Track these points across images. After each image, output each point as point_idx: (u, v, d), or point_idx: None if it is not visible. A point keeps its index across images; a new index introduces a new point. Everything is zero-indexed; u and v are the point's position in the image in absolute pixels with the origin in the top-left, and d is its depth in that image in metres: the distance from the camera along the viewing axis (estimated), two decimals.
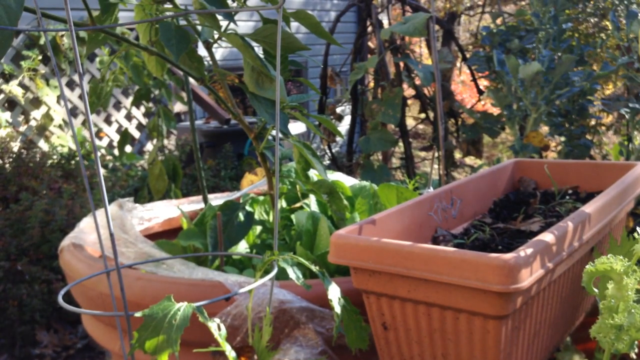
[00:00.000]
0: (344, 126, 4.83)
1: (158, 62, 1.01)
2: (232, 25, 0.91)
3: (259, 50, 0.96)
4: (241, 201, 1.19)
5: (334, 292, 0.72)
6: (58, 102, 3.70)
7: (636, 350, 0.64)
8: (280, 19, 0.67)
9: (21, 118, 3.62)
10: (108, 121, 4.06)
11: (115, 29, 0.93)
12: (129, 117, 4.14)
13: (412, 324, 0.77)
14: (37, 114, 3.65)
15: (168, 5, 0.93)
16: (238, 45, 0.91)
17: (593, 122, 2.03)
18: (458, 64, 4.27)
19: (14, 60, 3.55)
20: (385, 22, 3.21)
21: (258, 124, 1.06)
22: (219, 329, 0.63)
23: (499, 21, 2.62)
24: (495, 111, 3.01)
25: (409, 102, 4.16)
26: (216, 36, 0.97)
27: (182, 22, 0.95)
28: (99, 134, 4.01)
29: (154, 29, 0.94)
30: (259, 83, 0.94)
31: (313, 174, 1.27)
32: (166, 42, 0.82)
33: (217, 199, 1.45)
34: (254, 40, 0.93)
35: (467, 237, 0.92)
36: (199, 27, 1.00)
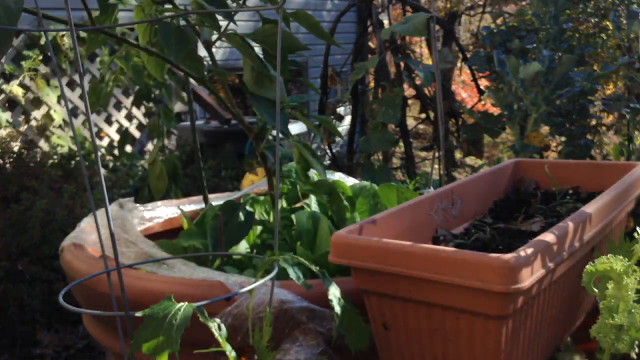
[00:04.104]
0: (344, 126, 4.83)
1: (157, 62, 1.01)
2: (232, 26, 0.91)
3: (259, 50, 0.96)
4: (242, 201, 1.19)
5: (334, 293, 0.73)
6: (58, 102, 3.70)
7: (636, 350, 0.64)
8: (281, 19, 0.67)
9: (22, 118, 3.63)
10: (109, 121, 4.06)
11: (115, 29, 0.93)
12: (129, 117, 4.14)
13: (412, 324, 0.77)
14: (37, 114, 3.65)
15: (168, 6, 0.93)
16: (238, 45, 0.91)
17: (594, 122, 2.03)
18: (458, 64, 4.27)
19: (14, 60, 3.55)
20: (386, 22, 3.21)
21: (258, 124, 1.06)
22: (220, 329, 0.63)
23: (499, 21, 2.62)
24: (496, 111, 3.01)
25: (410, 102, 4.16)
26: (216, 36, 0.97)
27: (182, 23, 0.95)
28: (99, 134, 4.01)
29: (153, 30, 0.94)
30: (259, 83, 0.94)
31: (313, 173, 1.27)
32: (165, 43, 0.82)
33: (217, 199, 1.45)
34: (254, 40, 0.93)
35: (468, 237, 0.92)
36: (199, 28, 1.00)
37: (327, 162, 3.94)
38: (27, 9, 0.70)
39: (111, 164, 3.69)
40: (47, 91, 3.65)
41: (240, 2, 0.95)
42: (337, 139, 4.91)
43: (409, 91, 3.43)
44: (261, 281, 0.70)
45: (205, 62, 1.04)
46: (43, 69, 3.64)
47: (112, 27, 0.64)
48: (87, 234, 1.22)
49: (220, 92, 1.02)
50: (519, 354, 0.75)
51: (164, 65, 1.03)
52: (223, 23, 0.93)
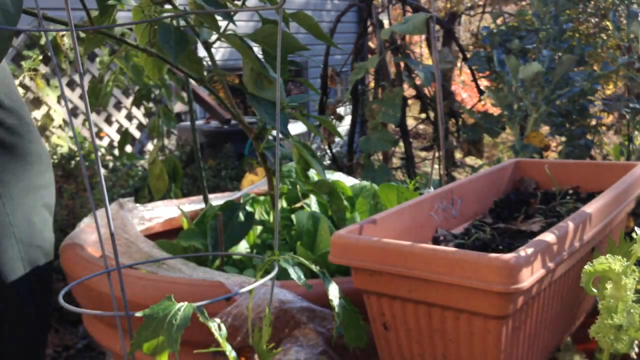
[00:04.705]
0: (344, 126, 4.83)
1: (155, 64, 1.01)
2: (231, 26, 0.91)
3: (258, 50, 0.96)
4: (242, 201, 1.19)
5: (334, 292, 0.73)
6: (58, 102, 3.70)
7: (636, 350, 0.64)
8: (281, 20, 0.67)
9: None
10: (109, 121, 4.06)
11: (114, 30, 0.93)
12: (129, 117, 4.14)
13: (412, 324, 0.77)
14: (37, 114, 3.65)
15: (167, 7, 0.93)
16: (237, 46, 0.91)
17: (594, 122, 2.03)
18: (458, 64, 4.27)
19: (14, 60, 3.55)
20: (386, 22, 3.21)
21: (258, 124, 1.06)
22: (220, 329, 0.63)
23: (499, 21, 2.62)
24: (496, 111, 3.01)
25: (410, 102, 4.16)
26: (215, 37, 0.97)
27: (182, 23, 0.95)
28: (99, 134, 4.01)
29: (153, 31, 0.93)
30: (258, 84, 0.94)
31: (313, 173, 1.27)
32: (165, 44, 0.82)
33: (217, 199, 1.45)
34: (253, 40, 0.93)
35: (468, 237, 0.92)
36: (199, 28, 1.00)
37: (327, 162, 3.94)
38: (27, 10, 0.70)
39: (111, 164, 3.69)
40: (47, 91, 3.65)
41: (239, 2, 0.95)
42: (337, 139, 4.91)
43: (409, 91, 3.43)
44: (261, 281, 0.70)
45: (205, 62, 1.04)
46: (43, 69, 3.64)
47: (112, 27, 0.64)
48: (87, 234, 1.22)
49: (220, 93, 1.02)
50: (519, 354, 0.75)
51: (162, 67, 1.03)
52: (223, 23, 0.93)
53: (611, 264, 0.60)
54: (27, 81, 3.57)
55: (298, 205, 1.31)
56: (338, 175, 1.43)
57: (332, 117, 2.92)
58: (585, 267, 0.63)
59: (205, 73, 1.00)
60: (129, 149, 4.01)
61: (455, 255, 0.69)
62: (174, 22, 0.88)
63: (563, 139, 1.85)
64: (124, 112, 4.10)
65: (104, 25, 0.87)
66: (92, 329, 1.11)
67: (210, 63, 1.03)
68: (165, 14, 0.91)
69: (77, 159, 3.26)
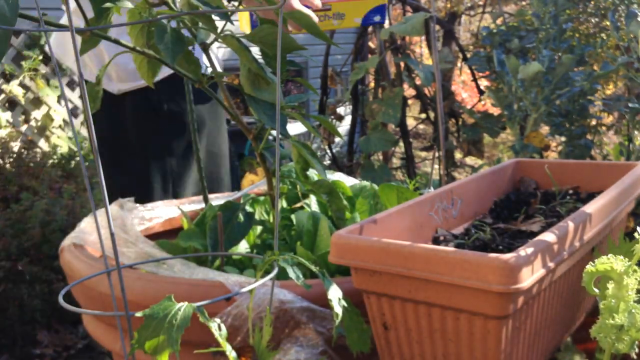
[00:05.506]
0: (344, 126, 4.83)
1: (150, 67, 1.00)
2: (230, 26, 0.91)
3: (256, 50, 0.96)
4: (242, 201, 1.19)
5: (334, 293, 0.72)
6: (59, 102, 3.70)
7: (637, 350, 0.64)
8: (281, 20, 0.67)
9: (22, 118, 3.62)
10: None
11: (109, 31, 0.92)
12: None
13: (412, 324, 0.77)
14: (37, 114, 3.65)
15: (164, 8, 0.92)
16: (234, 47, 0.91)
17: (594, 122, 2.02)
18: (458, 64, 4.27)
19: (14, 60, 3.55)
20: (386, 22, 3.21)
21: (257, 124, 1.06)
22: (220, 329, 0.63)
23: (499, 21, 2.62)
24: (496, 111, 3.01)
25: (410, 102, 4.16)
26: (212, 38, 0.96)
27: (181, 26, 0.95)
28: None
29: (148, 33, 0.93)
30: (255, 85, 0.94)
31: (313, 173, 1.27)
32: (162, 46, 0.81)
33: (217, 199, 1.45)
34: (251, 41, 0.92)
35: (468, 237, 0.92)
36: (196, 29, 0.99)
37: (327, 162, 3.93)
38: (26, 15, 0.70)
39: None
40: (47, 91, 3.65)
41: (236, 2, 0.95)
42: (337, 139, 4.91)
43: (409, 91, 3.43)
44: (261, 281, 0.70)
45: (204, 64, 1.04)
46: (43, 69, 3.64)
47: (110, 27, 0.64)
48: (87, 234, 1.22)
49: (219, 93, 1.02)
50: (519, 354, 0.75)
51: (157, 71, 1.02)
52: (221, 23, 0.93)
53: (613, 264, 0.60)
54: (27, 81, 3.57)
55: (298, 205, 1.31)
56: (338, 175, 1.43)
57: (332, 117, 2.92)
58: (587, 267, 0.63)
59: (203, 74, 1.00)
60: None
61: (455, 255, 0.69)
62: (171, 24, 0.88)
63: (563, 139, 1.85)
64: None
65: (99, 26, 0.87)
66: (92, 329, 1.11)
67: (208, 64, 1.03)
68: (161, 16, 0.91)
69: (77, 159, 3.25)
